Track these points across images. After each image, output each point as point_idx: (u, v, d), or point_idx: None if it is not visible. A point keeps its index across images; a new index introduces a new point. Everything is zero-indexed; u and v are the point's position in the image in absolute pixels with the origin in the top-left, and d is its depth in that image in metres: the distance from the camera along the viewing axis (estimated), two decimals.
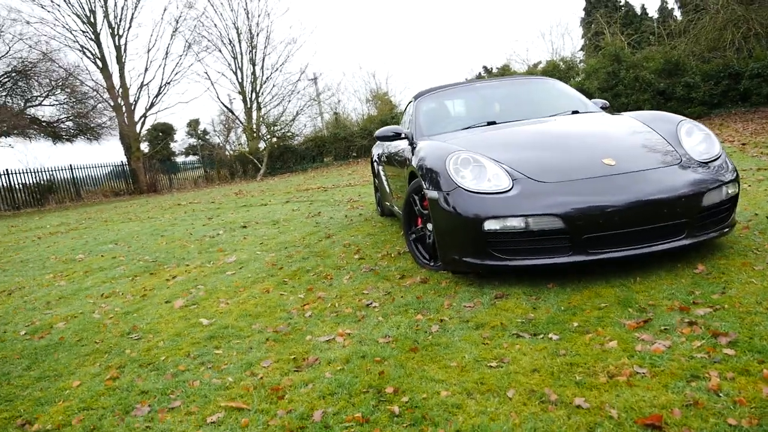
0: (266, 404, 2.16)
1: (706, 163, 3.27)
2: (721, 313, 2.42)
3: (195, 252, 5.65)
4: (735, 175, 3.27)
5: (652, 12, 28.36)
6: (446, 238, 3.39)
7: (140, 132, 24.14)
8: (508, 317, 2.72)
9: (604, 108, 4.75)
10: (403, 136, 4.61)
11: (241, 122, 23.53)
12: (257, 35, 23.68)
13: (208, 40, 23.93)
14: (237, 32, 23.51)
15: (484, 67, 28.19)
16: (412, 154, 4.11)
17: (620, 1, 28.22)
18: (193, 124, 28.32)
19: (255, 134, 22.56)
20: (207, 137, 26.50)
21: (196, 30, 23.45)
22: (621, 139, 3.53)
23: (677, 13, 27.15)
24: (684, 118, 3.70)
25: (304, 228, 6.28)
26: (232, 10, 25.16)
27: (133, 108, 23.80)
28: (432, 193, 3.43)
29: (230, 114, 24.26)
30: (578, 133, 3.78)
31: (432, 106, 4.87)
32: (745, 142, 9.50)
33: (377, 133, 4.72)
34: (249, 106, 23.78)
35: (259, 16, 27.92)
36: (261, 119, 22.66)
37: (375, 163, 6.32)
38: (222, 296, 3.82)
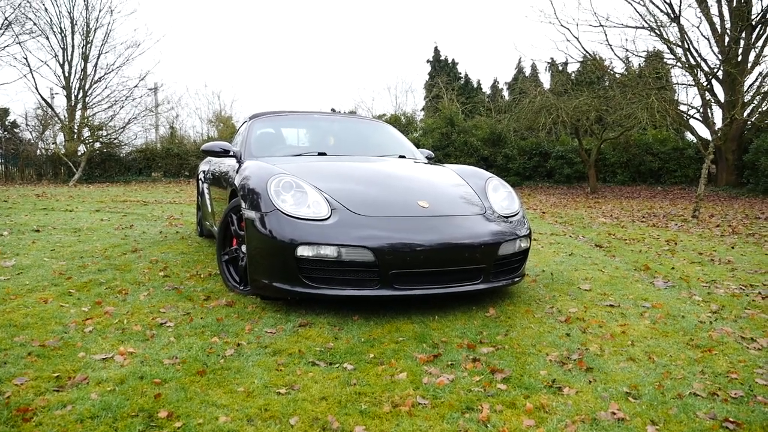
0: (5, 427, 1.82)
1: (507, 217, 3.59)
2: (501, 353, 2.61)
3: None
4: (528, 231, 3.64)
5: (486, 87, 31.60)
6: (258, 260, 3.27)
7: None
8: (308, 345, 2.66)
9: (429, 158, 5.05)
10: (231, 153, 4.44)
11: (60, 120, 21.06)
12: (95, 30, 21.67)
13: (34, 23, 21.31)
14: (72, 22, 21.28)
15: (333, 109, 28.93)
16: (237, 173, 3.95)
17: (460, 73, 31.06)
18: (1, 114, 24.72)
19: (75, 135, 20.32)
20: (16, 131, 23.26)
21: (21, 8, 20.79)
22: (437, 187, 3.75)
23: (505, 93, 30.64)
24: (492, 175, 4.07)
25: (109, 239, 5.68)
26: None
27: None
28: (249, 213, 3.30)
29: (49, 110, 21.62)
30: (400, 175, 3.95)
31: (266, 129, 4.79)
32: (545, 211, 10.81)
33: (205, 146, 4.48)
34: (73, 104, 21.43)
35: (100, 11, 25.40)
36: (86, 120, 20.52)
37: (200, 181, 6.00)
38: None
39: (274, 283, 3.17)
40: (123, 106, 21.41)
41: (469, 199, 3.64)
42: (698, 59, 16.12)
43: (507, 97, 28.58)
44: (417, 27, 51.95)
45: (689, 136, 19.19)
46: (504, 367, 2.40)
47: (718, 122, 16.95)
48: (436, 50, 31.58)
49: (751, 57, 16.21)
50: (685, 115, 16.88)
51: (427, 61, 31.58)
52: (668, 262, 5.17)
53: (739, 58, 15.93)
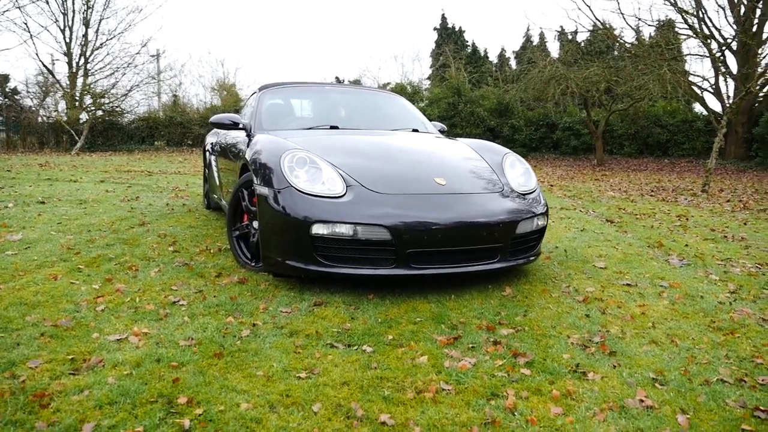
0: (23, 414, 1.78)
1: (523, 194, 3.51)
2: (521, 335, 2.56)
3: None
4: (545, 209, 3.56)
5: (493, 57, 31.03)
6: (271, 237, 3.21)
7: None
8: (325, 326, 2.61)
9: (441, 132, 4.94)
10: (241, 126, 4.33)
11: (62, 87, 20.79)
12: None
13: None
14: None
15: (336, 78, 28.52)
16: (248, 147, 3.86)
17: (467, 41, 30.49)
18: (1, 80, 24.41)
19: (77, 103, 20.08)
20: (17, 98, 22.99)
21: None
22: (453, 162, 3.66)
23: (512, 63, 30.12)
24: (509, 150, 3.97)
25: (115, 212, 5.62)
26: None
27: None
28: (262, 189, 3.23)
29: (50, 76, 21.33)
30: (415, 150, 3.85)
31: (276, 101, 4.67)
32: (553, 184, 10.70)
33: (213, 118, 4.38)
34: (74, 71, 21.11)
35: None
36: (87, 88, 20.25)
37: (207, 153, 5.90)
38: None
39: (288, 261, 3.11)
40: (125, 74, 21.05)
41: (486, 176, 3.56)
42: (712, 29, 15.75)
43: (514, 67, 28.09)
44: None
45: (697, 108, 18.93)
46: (526, 351, 2.36)
47: (730, 94, 16.69)
48: (443, 18, 30.98)
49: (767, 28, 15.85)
50: (697, 87, 16.59)
51: (434, 29, 31.02)
52: (681, 238, 5.10)
53: (755, 29, 15.56)
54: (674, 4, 15.84)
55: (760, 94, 15.64)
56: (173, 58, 41.97)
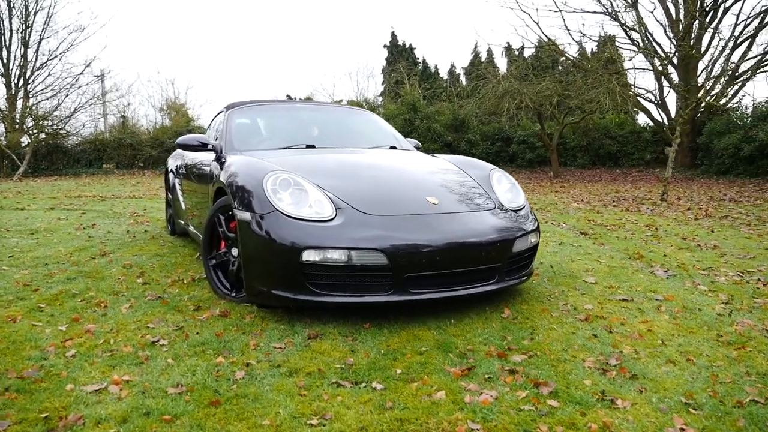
0: None
1: (514, 211, 3.41)
2: (535, 361, 2.43)
3: None
4: (536, 225, 3.47)
5: (443, 73, 31.44)
6: (255, 266, 2.99)
7: None
8: (326, 362, 2.41)
9: (417, 148, 4.82)
10: (210, 147, 4.10)
11: (0, 110, 19.75)
12: (35, 14, 20.31)
13: None
14: (9, 5, 19.85)
15: (288, 96, 28.24)
16: (221, 169, 3.63)
17: (418, 58, 30.82)
18: None
19: (18, 126, 19.09)
20: None
21: None
22: (441, 180, 3.53)
23: (462, 79, 30.58)
24: (494, 166, 3.88)
25: (72, 241, 5.23)
26: None
27: None
28: (243, 214, 3.01)
29: None
30: (400, 168, 3.71)
31: (245, 120, 4.44)
32: None
33: (180, 140, 4.13)
34: (14, 92, 20.12)
35: None
36: (29, 110, 19.29)
37: (171, 176, 5.59)
38: None
39: (274, 291, 2.89)
40: (68, 95, 20.21)
41: (476, 193, 3.44)
42: (654, 44, 16.40)
43: (464, 83, 28.53)
44: (374, 11, 51.36)
45: (641, 119, 19.66)
46: (546, 379, 2.22)
47: (671, 106, 17.39)
48: (393, 35, 31.25)
49: (705, 41, 16.65)
50: (643, 99, 17.21)
51: (384, 47, 31.23)
52: (657, 249, 5.13)
53: (692, 42, 16.29)
54: (621, 23, 16.44)
55: (701, 105, 16.35)
56: (120, 78, 40.68)
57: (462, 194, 3.38)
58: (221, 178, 3.47)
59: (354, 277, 2.80)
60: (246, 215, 2.98)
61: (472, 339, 2.69)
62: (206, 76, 45.40)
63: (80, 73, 20.36)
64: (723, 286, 3.74)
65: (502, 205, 3.39)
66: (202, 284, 3.69)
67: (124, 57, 41.56)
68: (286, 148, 4.04)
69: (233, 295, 3.30)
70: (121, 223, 6.53)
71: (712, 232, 6.14)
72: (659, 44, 16.57)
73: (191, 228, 4.72)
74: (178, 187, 5.23)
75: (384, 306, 2.92)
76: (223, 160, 3.82)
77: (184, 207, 5.01)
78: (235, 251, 3.29)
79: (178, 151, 5.69)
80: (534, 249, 3.44)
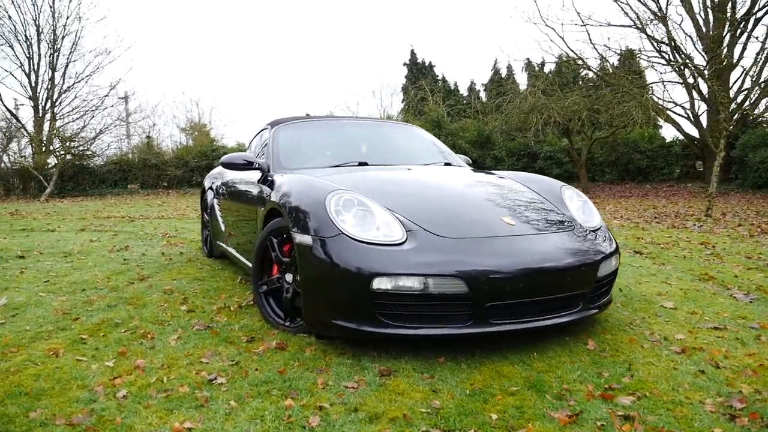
0: None
1: (593, 231, 3.13)
2: (646, 403, 2.13)
3: None
4: (616, 246, 3.18)
5: (463, 90, 31.26)
6: (316, 293, 2.74)
7: None
8: (408, 405, 2.13)
9: (469, 165, 4.57)
10: (256, 166, 3.88)
11: (27, 132, 19.96)
12: (62, 38, 20.59)
13: None
14: (37, 30, 20.19)
15: (307, 114, 28.26)
16: (271, 189, 3.41)
17: (437, 75, 30.72)
18: None
19: (45, 147, 19.26)
20: None
21: None
22: (511, 199, 3.26)
23: (482, 95, 30.37)
24: (562, 183, 3.61)
25: (107, 264, 5.04)
26: (33, 5, 21.58)
27: None
28: (303, 238, 2.77)
29: (14, 121, 20.48)
30: (466, 186, 3.44)
31: (292, 137, 4.22)
32: None
33: (224, 159, 3.92)
34: (41, 115, 20.36)
35: (68, 18, 24.21)
36: (55, 132, 19.47)
37: (210, 195, 5.39)
38: None
39: (337, 321, 2.64)
40: (94, 116, 20.42)
41: (550, 212, 3.17)
42: (685, 58, 16.04)
43: (484, 99, 28.30)
44: (393, 30, 51.67)
45: (667, 133, 19.23)
46: (668, 428, 1.92)
47: (703, 119, 16.96)
48: (413, 53, 31.25)
49: (737, 52, 16.26)
50: (673, 113, 16.81)
51: (404, 64, 31.22)
52: (724, 269, 4.79)
53: (724, 52, 15.91)
54: (647, 34, 16.14)
55: (735, 118, 15.92)
56: (145, 99, 41.05)
57: (537, 214, 3.10)
58: (273, 198, 3.25)
59: (429, 307, 2.53)
60: (306, 239, 2.74)
61: (565, 376, 2.40)
62: (230, 96, 45.86)
63: (105, 95, 20.60)
64: None
65: (581, 226, 3.11)
66: (251, 312, 3.45)
67: (150, 78, 42.19)
68: (337, 166, 3.81)
69: (287, 324, 3.05)
70: (155, 245, 6.35)
71: None
72: (689, 57, 16.19)
73: (232, 250, 4.50)
74: (217, 207, 5.03)
75: (460, 338, 2.64)
76: (271, 179, 3.60)
77: (223, 228, 4.80)
78: (289, 277, 3.05)
79: (217, 170, 5.51)
80: (615, 273, 3.14)
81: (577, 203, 3.38)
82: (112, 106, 21.26)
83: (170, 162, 19.76)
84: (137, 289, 4.05)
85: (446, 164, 4.17)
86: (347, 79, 48.01)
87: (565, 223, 3.04)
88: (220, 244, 4.93)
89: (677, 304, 3.58)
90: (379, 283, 2.49)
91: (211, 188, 5.37)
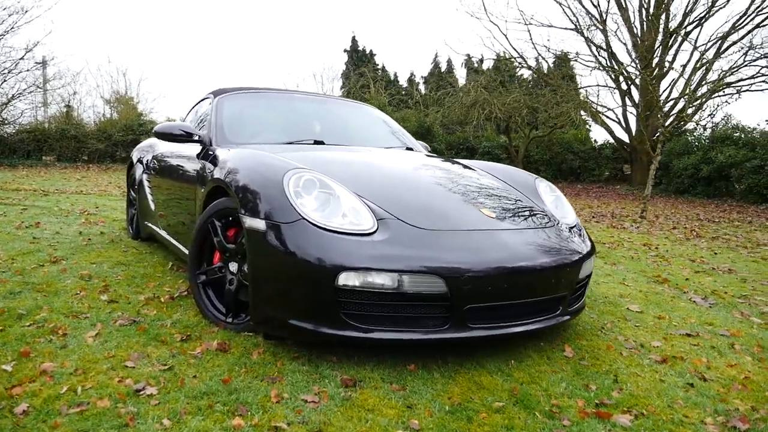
0: None
1: (570, 228, 2.91)
2: (645, 423, 1.91)
3: None
4: (592, 245, 2.97)
5: (403, 81, 31.09)
6: (267, 287, 2.35)
7: None
8: (381, 425, 1.81)
9: (428, 151, 4.27)
10: (196, 138, 3.41)
11: None
12: None
13: None
14: None
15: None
16: (214, 165, 2.97)
17: (378, 64, 30.36)
18: None
19: None
20: None
21: None
22: (486, 190, 2.98)
23: (422, 87, 30.34)
24: (535, 175, 3.38)
25: (12, 243, 4.38)
26: None
27: None
28: (254, 222, 2.37)
29: None
30: (438, 174, 3.13)
31: (239, 109, 3.75)
32: None
33: (158, 128, 3.42)
34: None
35: None
36: None
37: (138, 170, 4.80)
38: None
39: (293, 321, 2.26)
40: (6, 80, 18.58)
41: (527, 206, 2.92)
42: (620, 65, 16.52)
43: (423, 91, 28.27)
44: (335, 14, 50.62)
45: (597, 136, 19.89)
46: None
47: (632, 124, 17.60)
48: (354, 40, 30.78)
49: (667, 62, 16.92)
50: (605, 117, 17.34)
51: (345, 51, 30.67)
52: (674, 271, 4.78)
53: (655, 61, 16.52)
54: (586, 38, 16.50)
55: (665, 124, 16.60)
56: (66, 66, 37.79)
57: (515, 208, 2.84)
58: (217, 175, 2.81)
59: (401, 308, 2.20)
60: (258, 223, 2.34)
61: (551, 389, 2.15)
62: (161, 69, 43.22)
63: (21, 58, 18.75)
64: None
65: (558, 221, 2.88)
66: (185, 304, 3.00)
67: (72, 43, 39.00)
68: (291, 143, 3.40)
69: (229, 321, 2.64)
70: (71, 223, 5.66)
71: (715, 254, 5.87)
72: (622, 64, 16.68)
73: (163, 233, 3.99)
74: (146, 184, 4.47)
75: (436, 344, 2.34)
76: (213, 153, 3.15)
77: (153, 207, 4.27)
78: (234, 266, 2.64)
79: (147, 142, 4.92)
80: (590, 275, 2.94)
81: (550, 197, 3.16)
82: (27, 70, 19.35)
83: (92, 134, 18.35)
84: (48, 273, 3.48)
85: (408, 149, 3.85)
86: (287, 61, 46.68)
87: (546, 220, 2.80)
88: (149, 225, 4.39)
89: (642, 308, 3.45)
90: (346, 279, 2.14)
91: (140, 161, 4.79)
